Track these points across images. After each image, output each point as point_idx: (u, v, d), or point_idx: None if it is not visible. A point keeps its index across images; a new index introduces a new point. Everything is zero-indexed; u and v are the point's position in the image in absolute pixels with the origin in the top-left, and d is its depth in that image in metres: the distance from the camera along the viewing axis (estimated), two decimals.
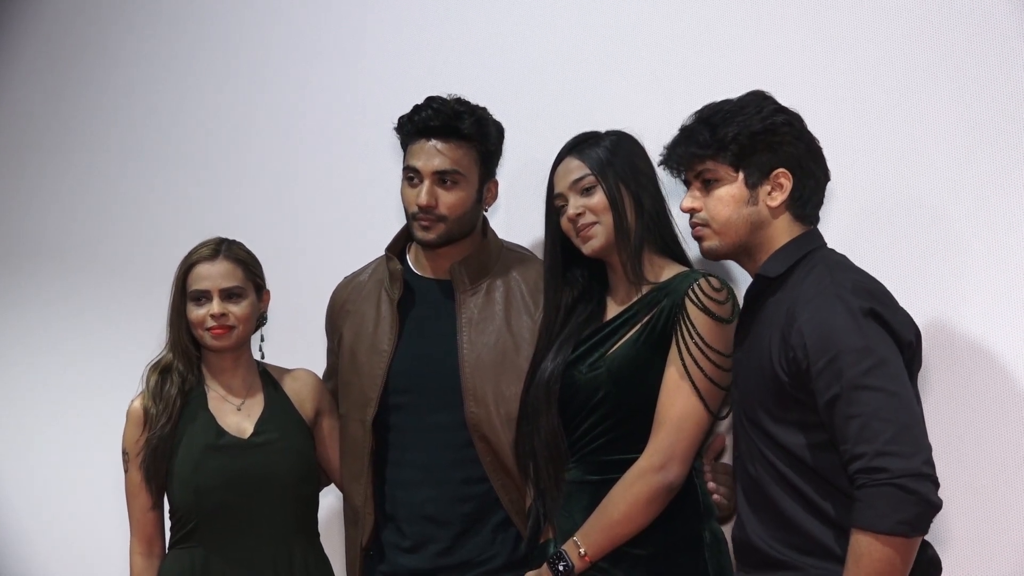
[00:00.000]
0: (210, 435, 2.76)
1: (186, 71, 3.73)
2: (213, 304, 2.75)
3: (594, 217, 2.49)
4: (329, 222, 3.45)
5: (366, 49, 3.41)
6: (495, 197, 2.79)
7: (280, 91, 3.55)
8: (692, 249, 2.52)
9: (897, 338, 2.11)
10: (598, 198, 2.49)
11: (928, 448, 2.04)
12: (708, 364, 2.38)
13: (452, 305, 2.74)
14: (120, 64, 3.84)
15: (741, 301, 2.41)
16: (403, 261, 2.82)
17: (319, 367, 2.99)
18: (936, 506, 2.02)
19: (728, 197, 2.25)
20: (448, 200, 2.67)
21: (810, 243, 2.27)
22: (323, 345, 3.00)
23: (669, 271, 2.51)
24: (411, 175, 2.69)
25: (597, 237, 2.50)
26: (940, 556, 2.21)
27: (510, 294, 2.73)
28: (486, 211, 2.80)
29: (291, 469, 2.76)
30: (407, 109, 2.74)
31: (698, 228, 2.30)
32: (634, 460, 2.43)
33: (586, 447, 2.49)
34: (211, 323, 2.75)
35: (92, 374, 3.81)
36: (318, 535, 2.86)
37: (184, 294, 2.79)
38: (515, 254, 2.83)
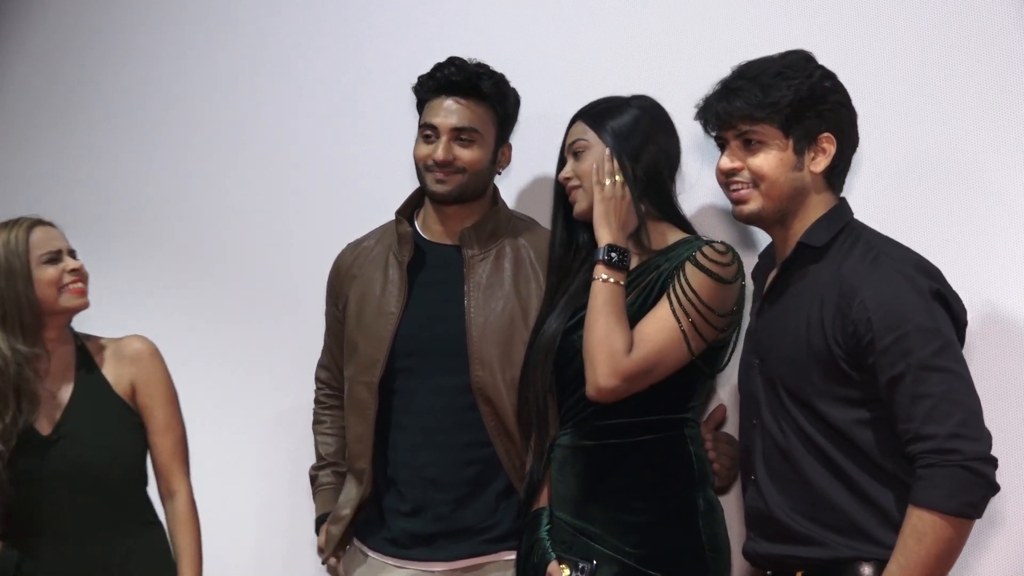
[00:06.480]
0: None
1: (185, 36, 3.70)
2: None
3: (578, 182, 2.50)
4: (327, 191, 3.43)
5: (374, 11, 3.37)
6: (508, 161, 2.81)
7: (279, 69, 3.53)
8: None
9: (956, 320, 2.13)
10: (586, 165, 2.48)
11: (990, 433, 2.06)
12: (697, 316, 2.34)
13: (461, 270, 2.73)
14: (121, 28, 3.82)
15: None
16: (411, 226, 2.81)
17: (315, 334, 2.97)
18: (996, 489, 2.05)
19: (776, 161, 2.22)
20: (465, 156, 2.68)
21: (847, 214, 2.28)
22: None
23: (671, 237, 2.50)
24: (428, 132, 2.70)
25: (579, 202, 2.51)
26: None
27: (519, 261, 2.73)
28: (499, 174, 2.81)
29: (94, 462, 2.65)
30: (413, 72, 2.74)
31: (743, 189, 2.26)
32: (627, 424, 2.42)
33: (581, 412, 2.48)
34: None
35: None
36: (150, 523, 2.77)
37: None
38: (524, 222, 2.84)
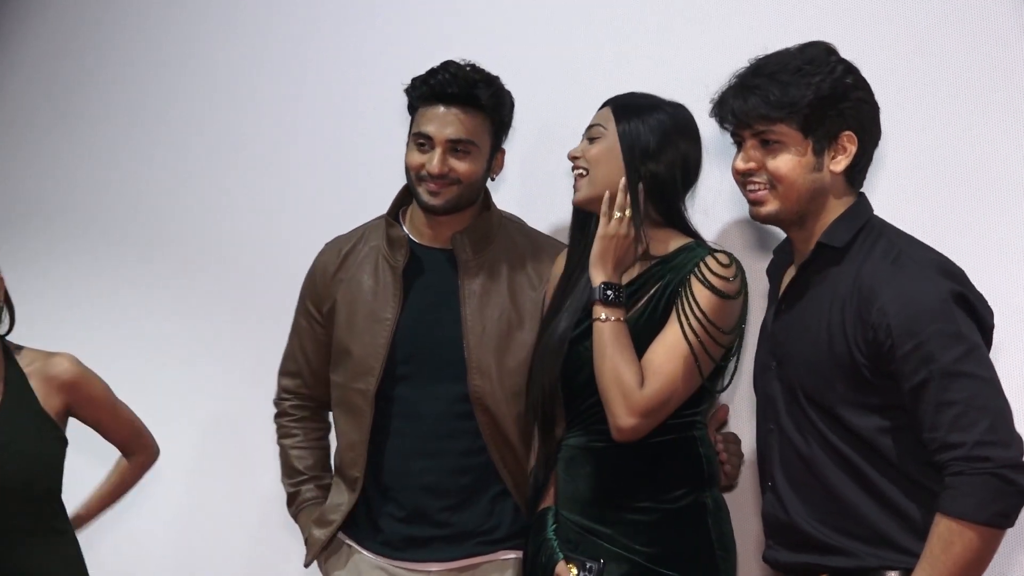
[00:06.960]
0: None
1: (185, 36, 3.69)
2: None
3: (585, 165, 2.47)
4: (327, 191, 3.42)
5: (374, 11, 3.36)
6: (501, 167, 2.74)
7: (279, 69, 3.52)
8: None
9: (981, 323, 2.05)
10: (595, 151, 2.45)
11: (1020, 438, 1.99)
12: (707, 338, 2.32)
13: (455, 276, 2.68)
14: (120, 28, 3.82)
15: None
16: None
17: None
18: None
19: (795, 163, 2.14)
20: (460, 168, 2.62)
21: (867, 211, 2.20)
22: None
23: (673, 243, 2.46)
24: (422, 141, 2.63)
25: (579, 190, 2.47)
26: None
27: (513, 267, 2.69)
28: (492, 180, 2.75)
29: (13, 471, 2.64)
30: (413, 72, 2.67)
31: (760, 191, 2.18)
32: None
33: (591, 418, 2.46)
34: None
35: (86, 345, 3.72)
36: (61, 531, 2.76)
37: None
38: (516, 225, 2.78)
